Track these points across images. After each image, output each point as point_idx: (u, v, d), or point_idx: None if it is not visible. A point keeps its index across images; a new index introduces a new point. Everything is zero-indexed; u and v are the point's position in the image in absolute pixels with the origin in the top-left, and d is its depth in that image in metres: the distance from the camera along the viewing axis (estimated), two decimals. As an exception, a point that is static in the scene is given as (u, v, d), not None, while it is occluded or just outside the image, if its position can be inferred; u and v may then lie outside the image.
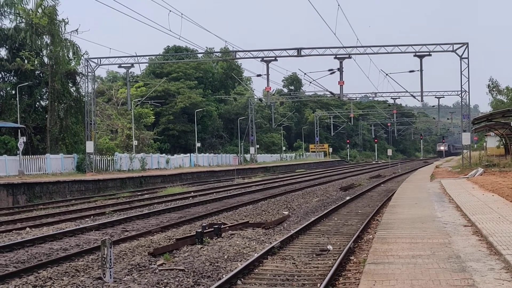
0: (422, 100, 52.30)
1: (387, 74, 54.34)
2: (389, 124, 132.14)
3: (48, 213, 25.33)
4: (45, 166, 42.64)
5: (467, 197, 21.94)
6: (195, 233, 16.27)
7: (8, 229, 19.92)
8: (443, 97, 74.49)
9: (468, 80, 46.41)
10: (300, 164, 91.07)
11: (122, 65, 48.42)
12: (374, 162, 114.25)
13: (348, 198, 29.27)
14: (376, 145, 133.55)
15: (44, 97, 52.31)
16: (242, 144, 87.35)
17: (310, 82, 66.88)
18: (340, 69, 44.97)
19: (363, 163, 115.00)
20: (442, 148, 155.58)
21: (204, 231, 16.65)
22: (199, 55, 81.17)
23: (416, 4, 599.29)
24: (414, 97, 58.34)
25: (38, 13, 49.93)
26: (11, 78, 51.01)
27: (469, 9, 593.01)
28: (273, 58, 45.68)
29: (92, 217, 23.47)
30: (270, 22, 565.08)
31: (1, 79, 51.04)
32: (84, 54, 53.30)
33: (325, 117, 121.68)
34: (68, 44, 52.25)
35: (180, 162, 66.12)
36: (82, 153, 48.05)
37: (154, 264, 13.13)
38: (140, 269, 12.75)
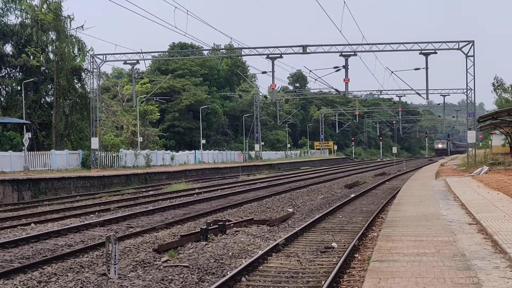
0: (427, 98, 52.18)
1: (392, 72, 54.26)
2: (394, 122, 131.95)
3: (53, 209, 25.38)
4: (50, 162, 42.74)
5: (472, 195, 21.89)
6: (199, 230, 16.29)
7: (13, 224, 19.97)
8: (449, 95, 74.49)
9: (474, 78, 46.28)
10: (305, 161, 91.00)
11: (127, 62, 48.38)
12: (379, 160, 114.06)
13: (353, 195, 29.23)
14: (381, 142, 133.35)
15: (50, 93, 52.47)
16: (247, 141, 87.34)
17: (315, 80, 66.91)
18: (346, 67, 44.91)
19: (368, 160, 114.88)
20: (440, 145, 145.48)
21: (209, 227, 16.67)
22: (205, 52, 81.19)
23: (417, 2, 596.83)
24: (419, 95, 58.30)
25: (43, 9, 50.05)
26: (17, 74, 51.21)
27: (471, 7, 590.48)
28: (279, 55, 45.63)
29: (97, 213, 23.52)
30: (275, 19, 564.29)
31: (7, 75, 51.20)
32: (89, 50, 53.48)
33: (330, 115, 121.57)
34: (74, 40, 52.39)
35: (185, 159, 66.19)
36: (87, 150, 48.16)
37: (159, 261, 13.14)
38: (145, 265, 12.77)
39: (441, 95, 74.48)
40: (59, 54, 49.95)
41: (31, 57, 48.90)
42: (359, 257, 13.21)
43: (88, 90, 52.41)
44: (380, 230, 15.03)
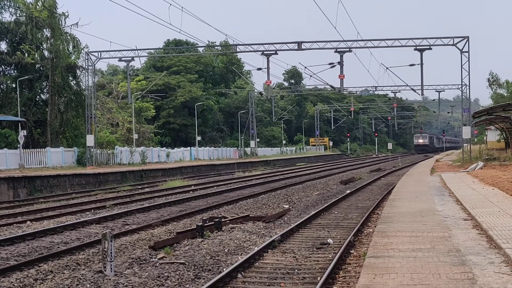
0: (422, 94, 52.35)
1: (387, 68, 54.25)
2: (389, 118, 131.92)
3: (48, 207, 25.36)
4: (45, 159, 42.66)
5: (467, 191, 21.95)
6: (195, 227, 16.29)
7: (9, 222, 19.95)
8: (444, 90, 74.62)
9: (469, 74, 46.40)
10: (300, 157, 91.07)
11: (122, 59, 48.37)
12: (374, 156, 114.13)
13: (348, 191, 29.29)
14: (376, 138, 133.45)
15: (45, 90, 52.30)
16: (242, 137, 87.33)
17: (311, 76, 66.89)
18: (341, 63, 44.95)
19: (364, 156, 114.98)
20: (421, 141, 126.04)
21: (205, 224, 16.68)
22: (200, 49, 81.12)
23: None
24: (414, 90, 58.31)
25: (38, 7, 49.86)
26: (12, 72, 51.02)
27: (469, 2, 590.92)
28: (274, 52, 45.64)
29: (92, 210, 23.50)
30: (270, 15, 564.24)
31: (2, 73, 51.01)
32: (84, 47, 53.33)
33: (326, 111, 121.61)
34: (68, 37, 52.22)
35: (181, 155, 66.13)
36: (82, 147, 48.04)
37: (155, 258, 13.16)
38: (141, 262, 12.78)
39: (436, 91, 74.58)
40: (54, 52, 49.77)
41: (26, 55, 48.74)
42: (354, 253, 13.25)
43: (83, 87, 52.26)
44: (375, 226, 15.08)
